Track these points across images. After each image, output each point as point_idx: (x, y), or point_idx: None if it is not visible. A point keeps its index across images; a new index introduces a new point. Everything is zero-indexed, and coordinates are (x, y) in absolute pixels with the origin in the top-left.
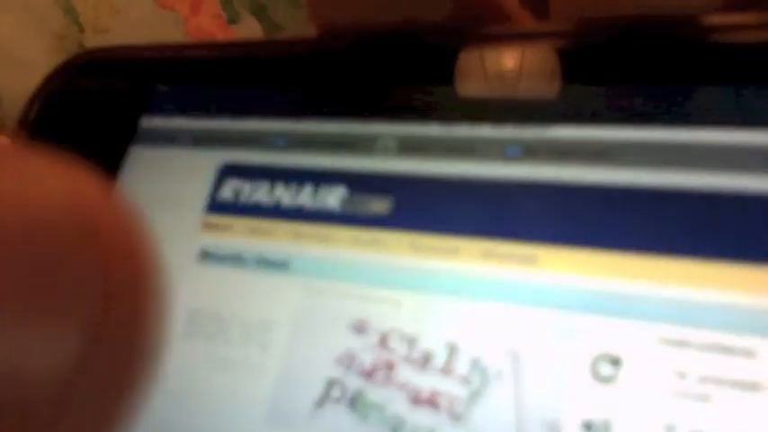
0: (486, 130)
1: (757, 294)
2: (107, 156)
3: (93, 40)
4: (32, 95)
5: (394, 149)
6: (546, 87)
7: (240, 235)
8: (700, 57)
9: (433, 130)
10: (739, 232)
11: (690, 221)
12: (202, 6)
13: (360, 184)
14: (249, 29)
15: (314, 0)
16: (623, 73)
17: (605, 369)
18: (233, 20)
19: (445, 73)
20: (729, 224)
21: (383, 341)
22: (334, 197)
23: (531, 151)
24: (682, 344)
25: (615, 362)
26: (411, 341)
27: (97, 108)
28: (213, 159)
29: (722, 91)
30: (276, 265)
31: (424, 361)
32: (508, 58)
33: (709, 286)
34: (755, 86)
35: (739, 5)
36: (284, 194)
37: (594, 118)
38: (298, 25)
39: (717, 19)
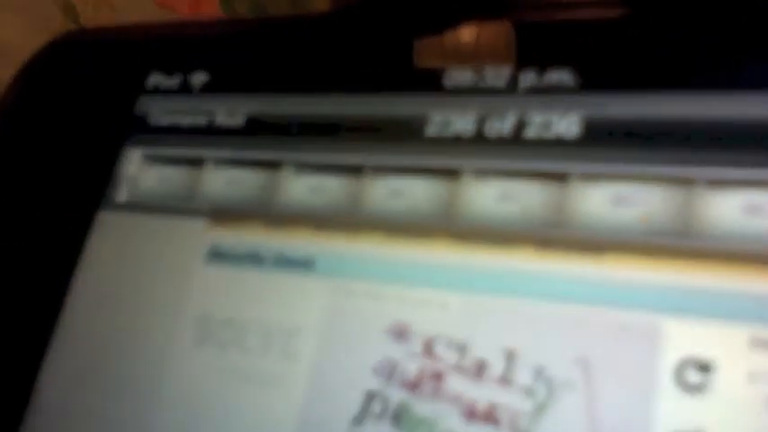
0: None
1: None
2: (101, 146)
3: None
4: (11, 81)
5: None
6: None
7: (256, 231)
8: None
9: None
10: None
11: None
12: (202, 6)
13: (395, 173)
14: None
15: None
16: None
17: (693, 376)
18: None
19: None
20: None
21: (428, 348)
22: (363, 188)
23: (592, 132)
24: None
25: (704, 368)
26: (461, 348)
27: (89, 94)
28: (223, 147)
29: None
30: (299, 264)
31: (478, 370)
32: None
33: None
34: None
35: None
36: (304, 186)
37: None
38: None
39: None
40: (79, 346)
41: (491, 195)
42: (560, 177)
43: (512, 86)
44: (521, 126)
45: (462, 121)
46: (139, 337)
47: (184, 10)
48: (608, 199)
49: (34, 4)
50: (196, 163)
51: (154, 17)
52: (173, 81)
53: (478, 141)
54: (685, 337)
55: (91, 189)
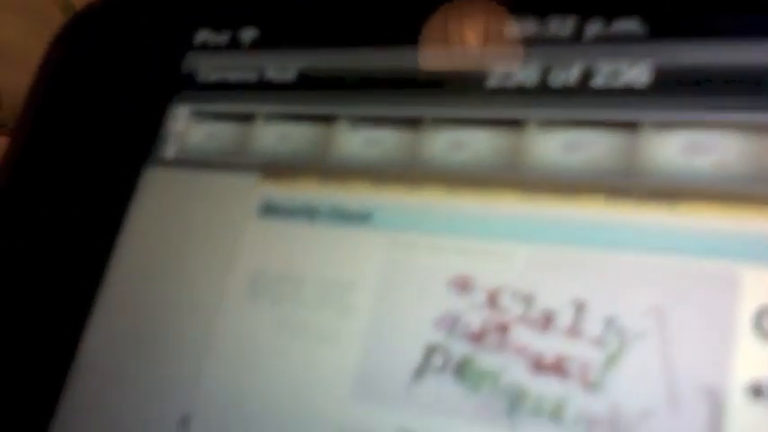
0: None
1: None
2: (149, 104)
3: None
4: (54, 39)
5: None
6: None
7: (310, 185)
8: None
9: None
10: None
11: None
12: None
13: (456, 125)
14: None
15: None
16: None
17: None
18: None
19: None
20: None
21: (492, 300)
22: (422, 140)
23: (663, 80)
24: None
25: None
26: (528, 299)
27: (136, 52)
28: (274, 102)
29: None
30: (355, 217)
31: (546, 321)
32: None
33: None
34: None
35: None
36: (359, 140)
37: None
38: None
39: None
40: (127, 304)
41: (557, 146)
42: (631, 126)
43: (576, 36)
44: (587, 75)
45: (525, 72)
46: (190, 294)
47: None
48: (681, 147)
49: (34, 4)
50: (246, 118)
51: None
52: (221, 37)
53: (543, 91)
54: (764, 285)
55: (139, 146)
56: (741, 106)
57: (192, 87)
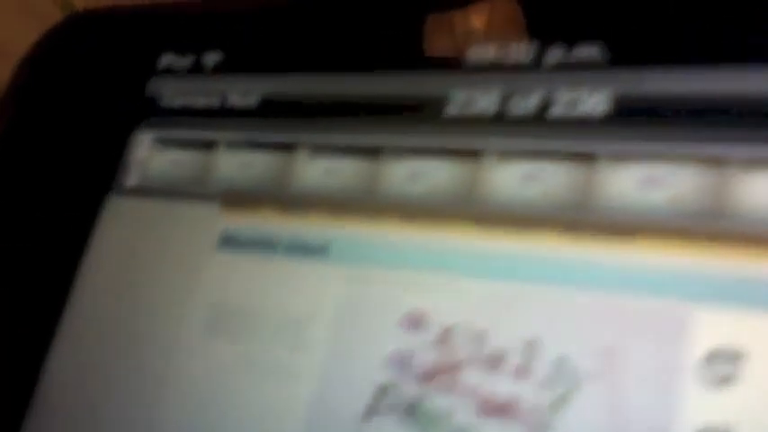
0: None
1: None
2: (113, 129)
3: None
4: (19, 62)
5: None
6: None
7: (269, 216)
8: None
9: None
10: None
11: None
12: None
13: (414, 154)
14: None
15: None
16: None
17: (723, 367)
18: None
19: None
20: None
21: (445, 337)
22: (380, 170)
23: (621, 110)
24: None
25: (734, 358)
26: (479, 337)
27: (100, 75)
28: (236, 129)
29: None
30: (313, 250)
31: (497, 361)
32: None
33: None
34: None
35: None
36: (320, 170)
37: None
38: None
39: None
40: (87, 333)
41: (514, 177)
42: (587, 158)
43: (537, 62)
44: (546, 104)
45: (484, 100)
46: (151, 326)
47: None
48: (637, 180)
49: (34, 4)
50: (209, 146)
51: None
52: (185, 61)
53: (501, 121)
54: (715, 326)
55: (101, 173)
56: (698, 138)
57: (155, 113)
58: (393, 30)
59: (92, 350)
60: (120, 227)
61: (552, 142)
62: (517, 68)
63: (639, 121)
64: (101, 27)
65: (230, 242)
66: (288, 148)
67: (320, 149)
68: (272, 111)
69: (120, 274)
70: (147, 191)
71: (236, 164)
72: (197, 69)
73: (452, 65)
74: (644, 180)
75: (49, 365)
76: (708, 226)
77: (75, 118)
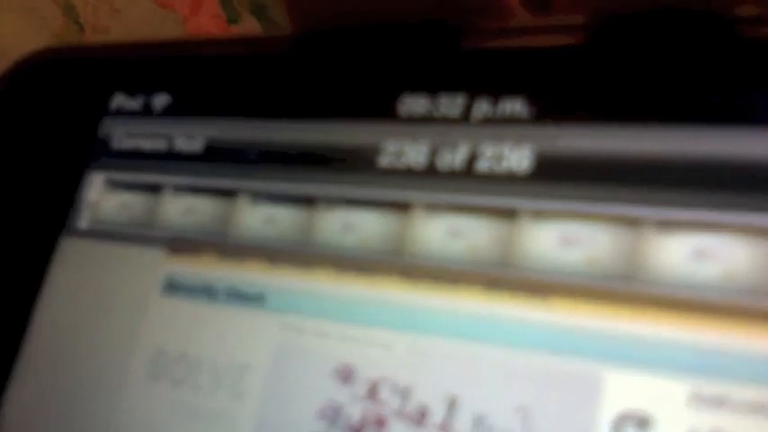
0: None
1: None
2: (66, 170)
3: (93, 40)
4: None
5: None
6: None
7: (210, 263)
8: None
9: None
10: None
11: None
12: (202, 6)
13: (347, 205)
14: (249, 29)
15: None
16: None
17: (632, 430)
18: (233, 20)
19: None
20: None
21: (372, 391)
22: (315, 220)
23: (543, 167)
24: (720, 402)
25: (643, 424)
26: (405, 392)
27: (55, 115)
28: (182, 174)
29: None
30: (250, 299)
31: (420, 417)
32: None
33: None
34: None
35: None
36: (259, 217)
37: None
38: None
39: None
40: (42, 377)
41: (441, 232)
42: (509, 214)
43: (465, 116)
44: (473, 158)
45: (414, 152)
46: (98, 370)
47: (185, 10)
48: (555, 238)
49: (34, 5)
50: (155, 189)
51: (154, 17)
52: (135, 102)
53: (430, 174)
54: (625, 390)
55: (55, 214)
56: (615, 198)
57: (106, 154)
58: (331, 78)
59: (46, 394)
60: (72, 269)
61: (477, 197)
62: (447, 121)
63: (559, 178)
64: (58, 66)
65: (174, 287)
66: (229, 194)
67: (260, 197)
68: (216, 156)
69: (71, 317)
70: (99, 233)
71: (182, 209)
72: (146, 111)
73: (390, 111)
74: (561, 239)
75: (5, 410)
76: (621, 288)
77: (32, 157)
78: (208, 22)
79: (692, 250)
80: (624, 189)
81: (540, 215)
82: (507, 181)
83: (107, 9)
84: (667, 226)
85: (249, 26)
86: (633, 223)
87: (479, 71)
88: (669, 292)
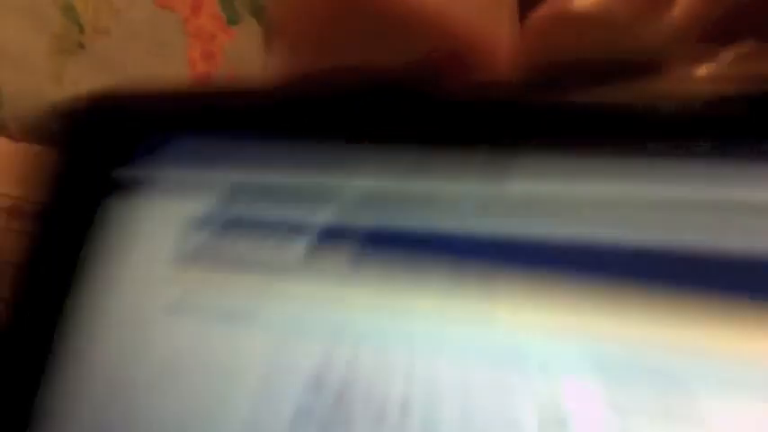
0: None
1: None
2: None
3: (93, 40)
4: None
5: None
6: None
7: (207, 287)
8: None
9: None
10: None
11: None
12: (202, 7)
13: (321, 236)
14: (249, 29)
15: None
16: None
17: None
18: (233, 20)
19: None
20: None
21: (340, 398)
22: (296, 250)
23: (487, 206)
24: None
25: (562, 423)
26: (366, 398)
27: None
28: (182, 210)
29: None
30: (239, 318)
31: (379, 419)
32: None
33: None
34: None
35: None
36: (248, 246)
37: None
38: None
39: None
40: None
41: None
42: None
43: None
44: None
45: None
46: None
47: (185, 11)
48: None
49: (34, 5)
50: None
51: (153, 17)
52: None
53: None
54: (547, 392)
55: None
56: None
57: None
58: None
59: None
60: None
61: None
62: None
63: None
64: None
65: (177, 309)
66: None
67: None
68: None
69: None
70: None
71: None
72: None
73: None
74: None
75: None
76: None
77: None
78: (208, 23)
79: None
80: None
81: None
82: None
83: (107, 9)
84: None
85: (249, 27)
86: None
87: None
88: None
